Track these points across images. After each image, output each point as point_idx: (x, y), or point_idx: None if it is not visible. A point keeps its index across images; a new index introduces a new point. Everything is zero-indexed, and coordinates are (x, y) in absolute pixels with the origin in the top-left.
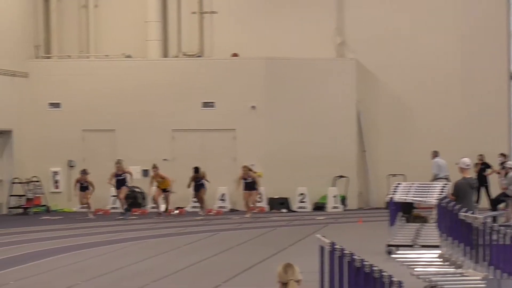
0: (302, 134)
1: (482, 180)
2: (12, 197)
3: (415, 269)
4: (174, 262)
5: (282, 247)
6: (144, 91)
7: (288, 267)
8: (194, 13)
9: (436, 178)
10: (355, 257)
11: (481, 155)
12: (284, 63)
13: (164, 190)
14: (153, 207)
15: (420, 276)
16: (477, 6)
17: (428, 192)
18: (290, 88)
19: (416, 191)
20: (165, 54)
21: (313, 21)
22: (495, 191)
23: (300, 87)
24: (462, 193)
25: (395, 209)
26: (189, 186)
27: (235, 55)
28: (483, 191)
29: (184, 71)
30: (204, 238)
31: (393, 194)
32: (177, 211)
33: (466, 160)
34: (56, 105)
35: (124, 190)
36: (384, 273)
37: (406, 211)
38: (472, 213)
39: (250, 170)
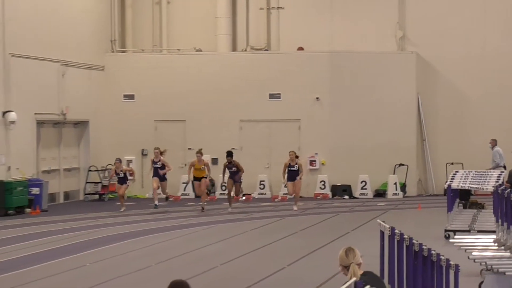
0: (364, 124)
1: None
2: (88, 184)
3: (472, 253)
4: (243, 246)
5: (344, 232)
6: (214, 84)
7: (349, 251)
8: (261, 8)
9: (497, 167)
10: (414, 241)
11: None
12: (347, 56)
13: (200, 179)
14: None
15: (476, 260)
16: None
17: (485, 179)
18: (352, 80)
19: (473, 179)
20: (234, 48)
21: (375, 15)
22: None
23: (362, 79)
24: None
25: (453, 196)
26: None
27: (300, 48)
28: None
29: (251, 64)
30: (271, 223)
31: (451, 181)
32: (244, 198)
33: None
34: (130, 96)
35: (156, 181)
36: (441, 257)
37: (463, 197)
38: None
39: (297, 156)
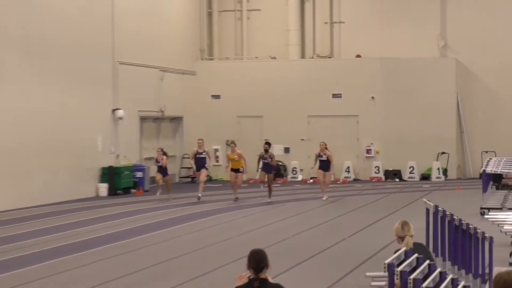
0: (411, 118)
1: None
2: (182, 169)
3: (503, 227)
4: (309, 221)
5: (395, 209)
6: (286, 85)
7: (405, 224)
8: (326, 23)
9: None
10: (454, 217)
11: None
12: (397, 61)
13: (237, 170)
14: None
15: (508, 233)
16: None
17: None
18: (401, 82)
19: (504, 165)
20: (303, 56)
21: (420, 27)
22: None
23: (409, 81)
24: None
25: (487, 179)
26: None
27: (358, 56)
28: None
29: (317, 69)
30: (333, 202)
31: (486, 167)
32: (311, 180)
33: None
34: (216, 96)
35: (203, 173)
36: (478, 230)
37: (496, 180)
38: None
39: (326, 148)
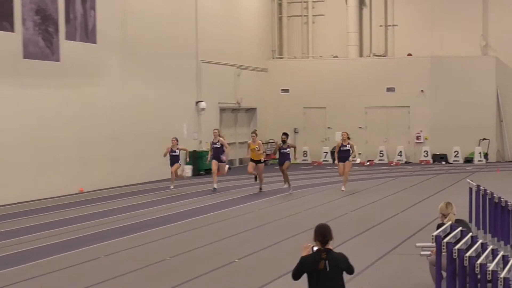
0: (456, 109)
1: None
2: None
3: None
4: (365, 198)
5: (442, 188)
6: (346, 80)
7: (449, 204)
8: (381, 26)
9: None
10: (494, 195)
11: None
12: (443, 59)
13: (258, 162)
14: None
15: None
16: None
17: None
18: (448, 77)
19: None
20: (360, 55)
21: (465, 29)
22: None
23: (455, 76)
24: None
25: None
26: (274, 153)
27: (409, 54)
28: None
29: (373, 66)
30: (387, 182)
31: None
32: (368, 163)
33: None
34: (286, 90)
35: (215, 163)
36: None
37: None
38: None
39: (349, 138)
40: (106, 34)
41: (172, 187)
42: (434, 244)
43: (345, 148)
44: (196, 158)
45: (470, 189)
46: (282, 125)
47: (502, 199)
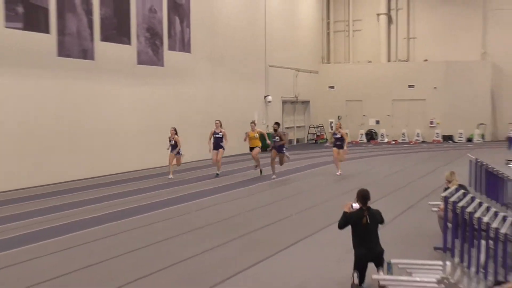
0: (461, 101)
1: None
2: (309, 134)
3: None
4: (390, 168)
5: (449, 161)
6: (377, 79)
7: (452, 172)
8: (404, 38)
9: None
10: (488, 165)
11: None
12: (452, 63)
13: (254, 148)
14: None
15: None
16: None
17: None
18: (455, 77)
19: None
20: (389, 60)
21: (467, 40)
22: None
23: (460, 76)
24: None
25: (511, 141)
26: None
27: (425, 60)
28: None
29: (398, 68)
30: (407, 156)
31: (510, 133)
32: (393, 142)
33: None
34: (332, 87)
35: (215, 153)
36: (504, 174)
37: None
38: None
39: (341, 127)
40: (197, 46)
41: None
42: (442, 203)
43: (336, 136)
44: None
45: (470, 161)
46: (329, 113)
47: (494, 169)
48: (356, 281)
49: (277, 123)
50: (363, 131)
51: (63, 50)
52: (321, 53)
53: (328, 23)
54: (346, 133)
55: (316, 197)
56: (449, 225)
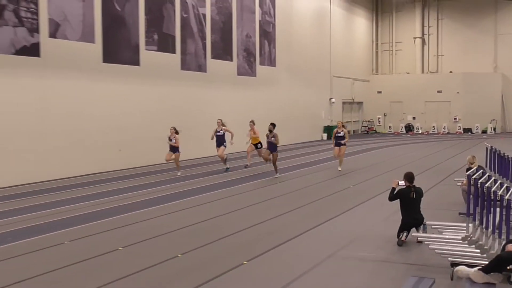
0: (478, 102)
1: None
2: (362, 127)
3: None
4: (423, 153)
5: (468, 148)
6: (414, 86)
7: (474, 156)
8: (434, 55)
9: None
10: (499, 151)
11: None
12: (470, 74)
13: (256, 145)
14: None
15: None
16: None
17: None
18: (472, 84)
19: None
20: (422, 72)
21: (483, 56)
22: None
23: (477, 84)
24: None
25: None
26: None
27: (450, 72)
28: None
29: (429, 78)
30: (436, 144)
31: None
32: (426, 133)
33: None
34: (380, 92)
35: (221, 149)
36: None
37: None
38: None
39: (343, 126)
40: (280, 61)
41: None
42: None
43: (339, 134)
44: (329, 129)
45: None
46: (377, 111)
47: (505, 154)
48: (404, 239)
49: (272, 124)
50: (403, 125)
51: (185, 65)
52: (371, 67)
53: (376, 44)
54: (348, 131)
55: (368, 174)
56: (471, 196)
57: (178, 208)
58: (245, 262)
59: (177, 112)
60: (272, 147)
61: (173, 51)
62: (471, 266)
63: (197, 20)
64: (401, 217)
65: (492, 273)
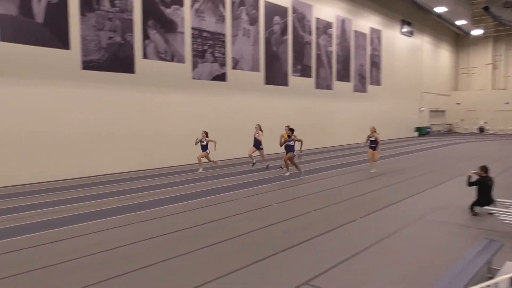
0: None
1: None
2: (443, 128)
3: None
4: (488, 147)
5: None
6: (484, 98)
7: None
8: (503, 76)
9: None
10: None
11: None
12: None
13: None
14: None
15: None
16: None
17: None
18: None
19: None
20: (493, 88)
21: None
22: None
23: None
24: None
25: None
26: (281, 145)
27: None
28: None
29: (499, 93)
30: (502, 143)
31: None
32: (495, 133)
33: None
34: (458, 103)
35: (253, 149)
36: None
37: None
38: None
39: (375, 131)
40: (384, 82)
41: (219, 163)
42: None
43: (371, 139)
44: (419, 129)
45: None
46: (456, 117)
47: None
48: (478, 211)
49: (291, 129)
50: (476, 127)
51: (318, 85)
52: (452, 85)
53: (456, 69)
54: (379, 136)
55: (448, 162)
56: None
57: (266, 190)
58: (357, 219)
59: (313, 120)
60: (291, 148)
61: (310, 76)
62: None
63: (326, 55)
64: (475, 197)
65: None
